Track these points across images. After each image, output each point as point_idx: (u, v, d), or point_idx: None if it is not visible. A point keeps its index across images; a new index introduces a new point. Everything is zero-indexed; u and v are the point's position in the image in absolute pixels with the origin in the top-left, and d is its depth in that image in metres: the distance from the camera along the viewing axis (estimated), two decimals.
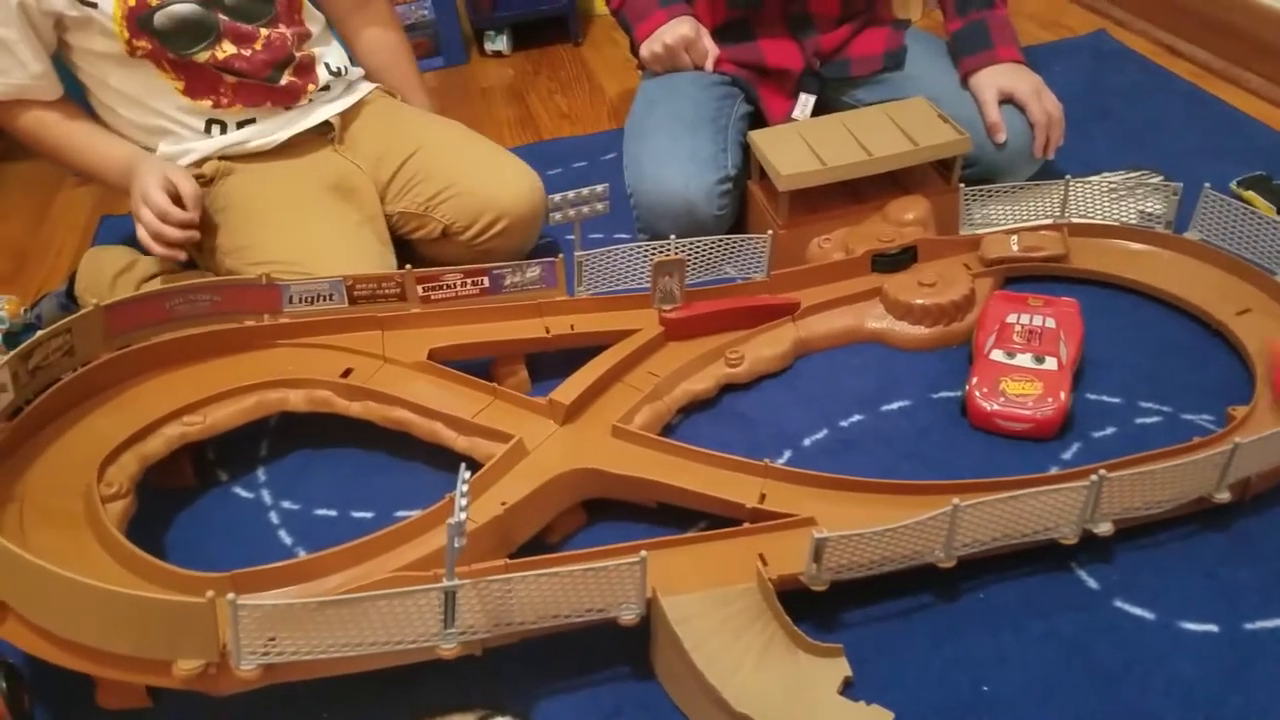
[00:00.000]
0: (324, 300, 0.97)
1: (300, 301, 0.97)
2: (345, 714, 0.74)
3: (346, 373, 0.95)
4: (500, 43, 1.82)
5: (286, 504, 0.92)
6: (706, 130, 1.16)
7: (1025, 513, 0.73)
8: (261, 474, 0.96)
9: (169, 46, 1.02)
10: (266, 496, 0.94)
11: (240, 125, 1.09)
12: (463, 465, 0.68)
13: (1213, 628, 0.72)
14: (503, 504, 0.80)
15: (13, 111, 1.07)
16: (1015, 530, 0.74)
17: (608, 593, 0.69)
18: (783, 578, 0.72)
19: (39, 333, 0.99)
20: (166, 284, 1.05)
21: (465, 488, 0.65)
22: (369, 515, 0.90)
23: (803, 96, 1.25)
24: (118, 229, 1.39)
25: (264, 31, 1.07)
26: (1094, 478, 0.72)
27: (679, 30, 1.19)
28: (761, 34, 1.24)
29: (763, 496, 0.81)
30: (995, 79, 1.15)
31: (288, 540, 0.89)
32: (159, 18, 1.01)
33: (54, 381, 0.86)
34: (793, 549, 0.75)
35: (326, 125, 1.13)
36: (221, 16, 1.04)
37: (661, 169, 1.13)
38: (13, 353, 0.82)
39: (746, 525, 0.78)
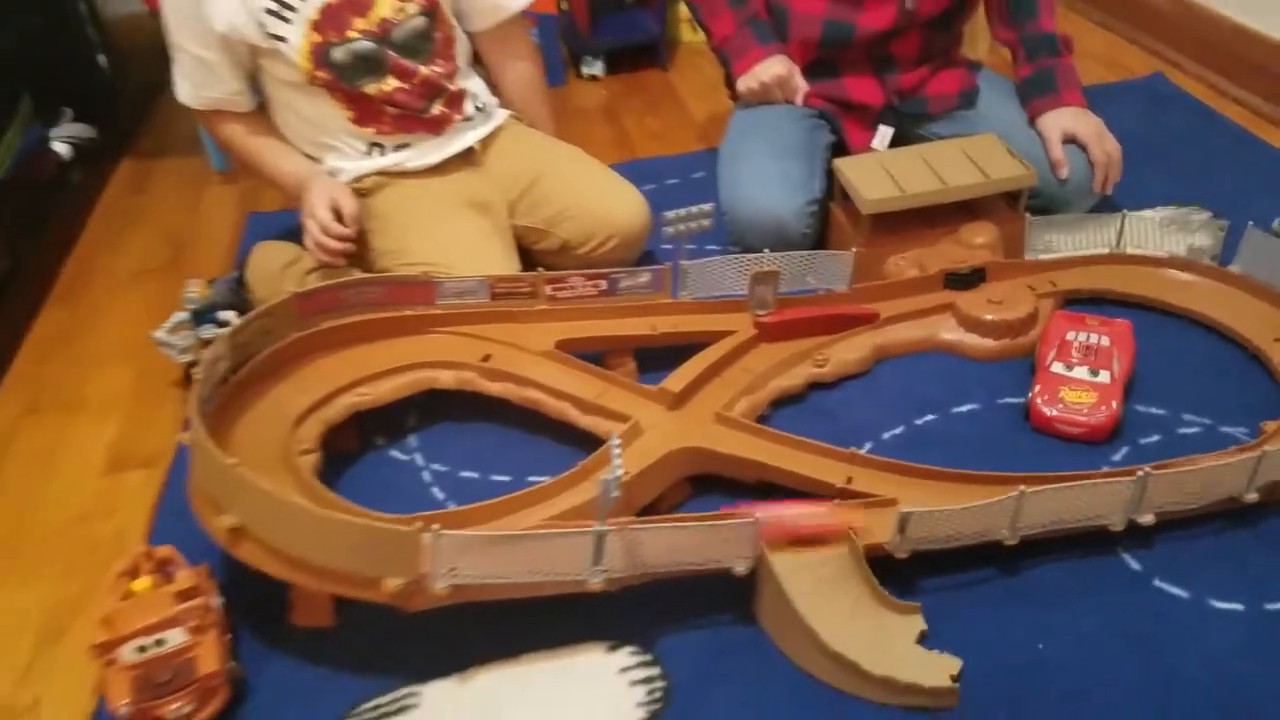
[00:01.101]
0: (470, 296, 1.13)
1: (451, 296, 1.12)
2: (497, 643, 0.88)
3: (486, 358, 1.10)
4: (595, 67, 1.98)
5: (436, 466, 1.08)
6: (796, 157, 1.30)
7: (1080, 501, 0.86)
8: (413, 440, 1.11)
9: (343, 79, 1.18)
10: (419, 459, 1.09)
11: (397, 148, 1.24)
12: (613, 434, 0.82)
13: (1238, 606, 0.85)
14: (625, 473, 0.95)
15: (215, 120, 1.25)
16: (1070, 516, 0.87)
17: (726, 547, 0.83)
18: (869, 546, 0.86)
19: (226, 313, 1.17)
20: (327, 277, 1.22)
21: (618, 450, 0.79)
22: (507, 479, 1.05)
23: (882, 129, 1.38)
24: (263, 224, 1.55)
25: (423, 68, 1.21)
26: (1140, 473, 0.85)
27: (774, 69, 1.33)
28: (846, 72, 1.37)
29: (849, 479, 0.95)
30: (1060, 120, 1.28)
31: (439, 496, 1.04)
32: (338, 53, 1.16)
33: (253, 355, 1.03)
34: (876, 523, 0.88)
35: (469, 149, 1.27)
36: (390, 53, 1.19)
37: (756, 191, 1.27)
38: (228, 330, 0.98)
39: (837, 501, 0.92)
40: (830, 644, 0.80)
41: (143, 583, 0.85)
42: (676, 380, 1.05)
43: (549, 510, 0.91)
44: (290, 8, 1.13)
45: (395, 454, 1.10)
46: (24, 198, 1.51)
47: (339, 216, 1.18)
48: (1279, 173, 1.46)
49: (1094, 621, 0.85)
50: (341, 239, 1.17)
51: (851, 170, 1.25)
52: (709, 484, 1.00)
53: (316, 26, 1.14)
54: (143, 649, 0.82)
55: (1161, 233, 1.23)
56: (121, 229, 1.63)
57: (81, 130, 1.76)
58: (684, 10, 2.05)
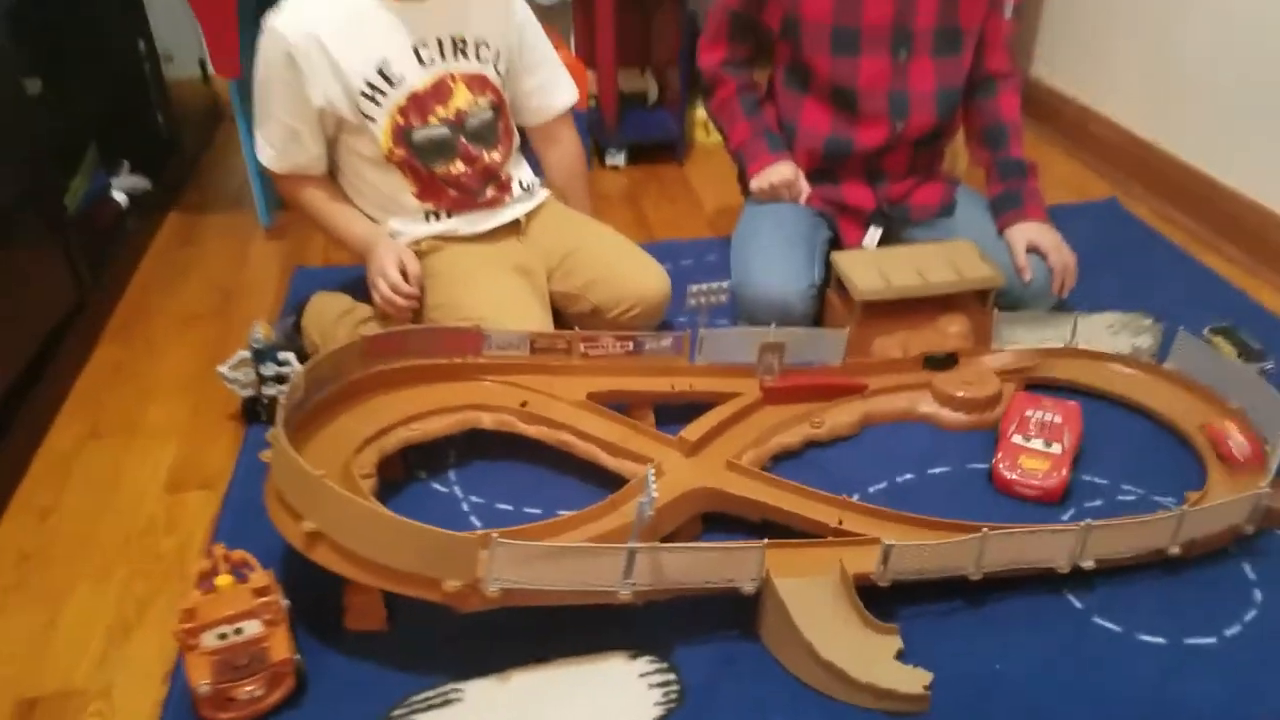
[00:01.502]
0: (512, 349, 1.28)
1: (495, 348, 1.28)
2: (531, 648, 1.00)
3: (524, 404, 1.25)
4: (618, 158, 2.19)
5: (474, 498, 1.21)
6: (800, 248, 1.49)
7: (1033, 546, 1.02)
8: (452, 475, 1.25)
9: (418, 158, 1.34)
10: (458, 491, 1.23)
11: (450, 215, 1.40)
12: (649, 466, 0.97)
13: (1161, 640, 1.01)
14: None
15: (292, 182, 1.40)
16: (1025, 558, 1.03)
17: (737, 568, 0.98)
18: (857, 575, 1.01)
19: (285, 354, 1.31)
20: (380, 327, 1.37)
21: (653, 478, 0.94)
22: (538, 511, 1.19)
23: (872, 229, 1.58)
24: (308, 276, 1.71)
25: (486, 155, 1.39)
26: (1084, 524, 1.01)
27: (783, 173, 1.53)
28: (844, 179, 1.57)
29: (840, 520, 1.10)
30: (1025, 233, 1.48)
31: (477, 524, 1.17)
32: (417, 135, 1.33)
33: (323, 388, 1.17)
34: (863, 557, 1.03)
35: (515, 221, 1.44)
36: (462, 140, 1.36)
37: (765, 275, 1.44)
38: (307, 365, 1.12)
39: (830, 538, 1.07)
40: (823, 654, 0.94)
41: (224, 579, 0.97)
42: (693, 431, 1.20)
43: (583, 534, 1.04)
44: (382, 93, 1.30)
45: (436, 486, 1.24)
46: (88, 239, 1.65)
47: (405, 276, 1.33)
48: (1212, 288, 1.67)
49: (1043, 647, 1.00)
50: (407, 297, 1.33)
51: (847, 263, 1.44)
52: (718, 522, 1.15)
53: (402, 111, 1.31)
54: (223, 636, 0.93)
55: (1109, 333, 1.43)
56: (172, 276, 1.77)
57: (139, 182, 1.92)
58: (699, 114, 2.27)
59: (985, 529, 0.99)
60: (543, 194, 1.50)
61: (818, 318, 1.50)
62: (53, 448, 1.33)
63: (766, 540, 0.97)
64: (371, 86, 1.30)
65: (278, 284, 1.73)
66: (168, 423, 1.38)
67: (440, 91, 1.33)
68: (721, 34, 1.57)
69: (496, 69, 1.39)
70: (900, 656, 0.97)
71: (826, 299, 1.50)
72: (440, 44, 1.33)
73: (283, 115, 1.33)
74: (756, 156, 1.54)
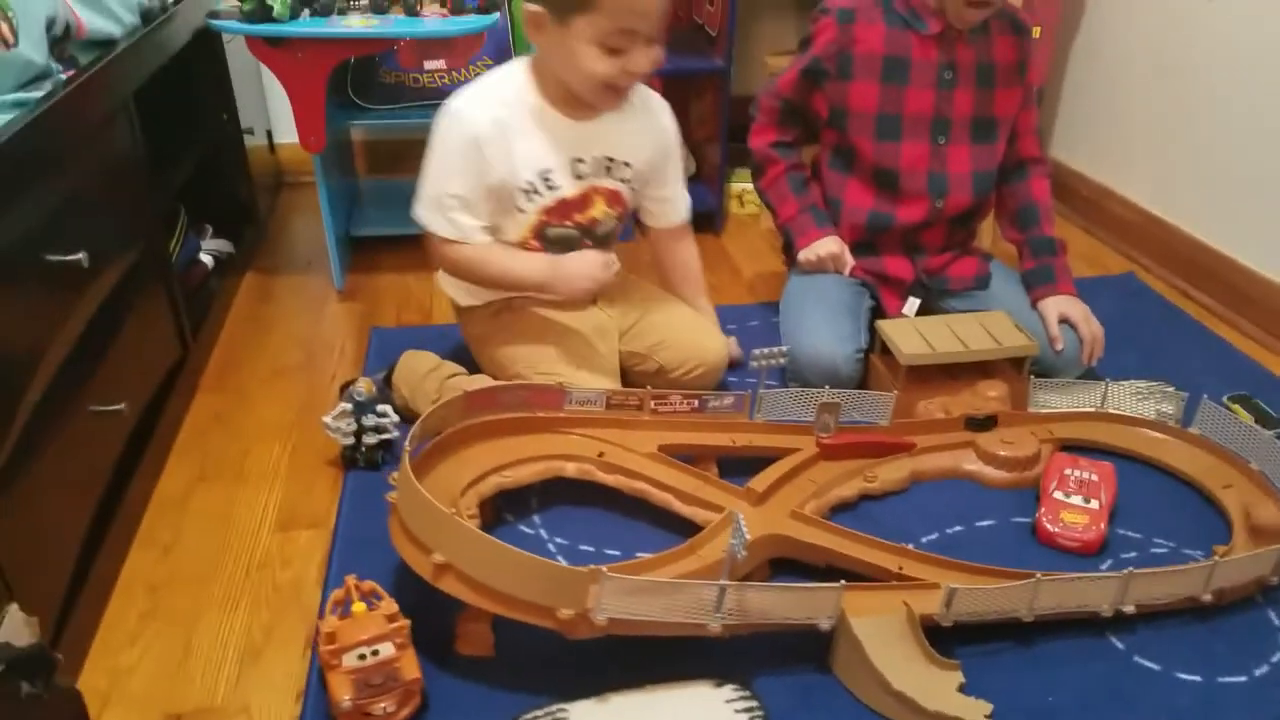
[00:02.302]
0: (590, 404, 1.41)
1: (575, 404, 1.40)
2: (628, 674, 1.10)
3: (601, 454, 1.37)
4: None
5: (558, 539, 1.32)
6: (846, 316, 1.62)
7: (1080, 591, 1.13)
8: (536, 518, 1.36)
9: (547, 248, 1.47)
10: (543, 533, 1.34)
11: None
12: (738, 513, 1.08)
13: (1197, 678, 1.11)
14: (725, 551, 1.21)
15: (455, 246, 1.45)
16: (1072, 603, 1.14)
17: (816, 607, 1.09)
18: (922, 615, 1.12)
19: (383, 406, 1.43)
20: (454, 383, 1.50)
21: (743, 523, 1.05)
22: (617, 553, 1.30)
23: (911, 299, 1.71)
24: (384, 336, 1.84)
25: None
26: (1126, 572, 1.12)
27: (830, 247, 1.66)
28: (884, 252, 1.71)
29: (900, 567, 1.21)
30: (1057, 305, 1.61)
31: (564, 563, 1.28)
32: (552, 232, 1.46)
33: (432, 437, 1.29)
34: (925, 600, 1.14)
35: None
36: (585, 241, 1.49)
37: (816, 340, 1.57)
38: (423, 417, 1.24)
39: (893, 582, 1.18)
40: (894, 685, 1.04)
41: (359, 606, 1.08)
42: (759, 482, 1.32)
43: (668, 574, 1.14)
44: (538, 194, 1.43)
45: (523, 528, 1.35)
46: (186, 298, 1.79)
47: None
48: (1228, 359, 1.80)
49: (1090, 684, 1.11)
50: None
51: (891, 330, 1.57)
52: (784, 567, 1.26)
53: (548, 211, 1.45)
54: (362, 657, 1.04)
55: (1136, 399, 1.55)
56: (256, 332, 1.90)
57: (223, 245, 2.06)
58: (734, 187, 2.43)
59: (1038, 575, 1.10)
60: (617, 264, 1.63)
61: (863, 380, 1.62)
62: (166, 490, 1.45)
63: (843, 582, 1.08)
64: (531, 185, 1.42)
65: (356, 342, 1.86)
66: (269, 467, 1.50)
67: (583, 201, 1.47)
68: (772, 119, 1.72)
69: (632, 187, 1.52)
70: (962, 689, 1.07)
71: (870, 363, 1.63)
72: (596, 162, 1.46)
73: (459, 189, 1.41)
74: (804, 231, 1.68)
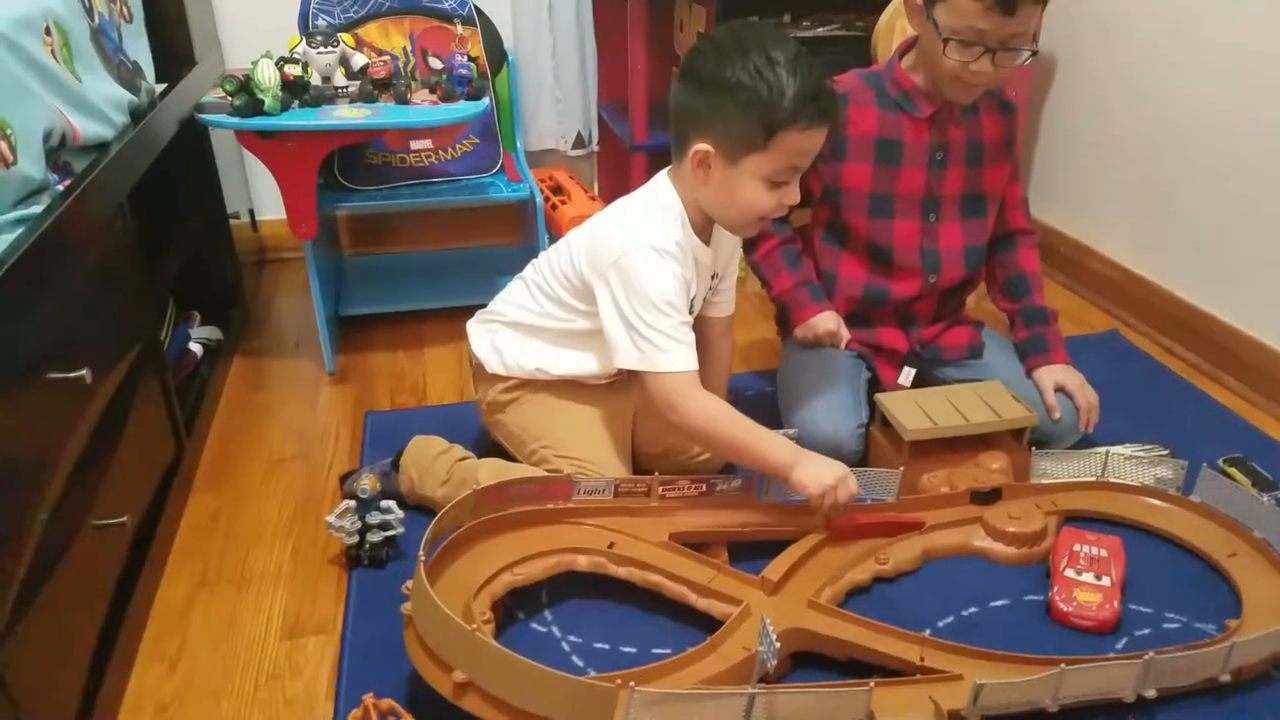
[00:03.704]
0: (599, 493, 1.40)
1: (584, 493, 1.39)
2: None
3: (611, 545, 1.36)
4: None
5: (572, 637, 1.31)
6: (847, 390, 1.63)
7: (1104, 677, 1.13)
8: (548, 614, 1.35)
9: None
10: (556, 631, 1.32)
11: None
12: (765, 618, 1.08)
13: None
14: (745, 648, 1.20)
15: (704, 401, 1.37)
16: (1095, 689, 1.14)
17: (845, 709, 1.08)
18: (951, 711, 1.11)
19: (387, 502, 1.42)
20: (468, 469, 1.49)
21: (772, 628, 1.05)
22: (633, 650, 1.28)
23: (906, 369, 1.73)
24: (380, 420, 1.83)
25: None
26: (1147, 656, 1.13)
27: (827, 324, 1.68)
28: (878, 324, 1.73)
29: (922, 657, 1.21)
30: (1053, 375, 1.64)
31: (579, 664, 1.26)
32: None
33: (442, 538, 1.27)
34: (950, 693, 1.14)
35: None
36: None
37: (818, 416, 1.58)
38: (435, 519, 1.23)
39: (918, 676, 1.18)
40: None
41: None
42: (773, 571, 1.31)
43: (691, 676, 1.14)
44: (693, 312, 1.44)
45: (536, 626, 1.33)
46: (178, 393, 1.76)
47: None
48: (1218, 418, 1.83)
49: None
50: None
51: (892, 404, 1.58)
52: (803, 659, 1.25)
53: None
54: None
55: (1133, 465, 1.57)
56: (248, 422, 1.87)
57: (211, 332, 2.04)
58: None
59: (1063, 664, 1.11)
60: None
61: (864, 454, 1.63)
62: (168, 598, 1.42)
63: (874, 681, 1.08)
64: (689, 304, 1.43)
65: (351, 427, 1.84)
66: (273, 568, 1.47)
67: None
68: None
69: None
70: None
71: (871, 437, 1.64)
72: (709, 280, 1.50)
73: (684, 314, 1.37)
74: (801, 306, 1.70)
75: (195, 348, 1.95)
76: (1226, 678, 1.17)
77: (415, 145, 2.17)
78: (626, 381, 1.59)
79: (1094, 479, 1.55)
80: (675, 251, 1.36)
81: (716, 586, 1.30)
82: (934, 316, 1.74)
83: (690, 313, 1.42)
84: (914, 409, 1.58)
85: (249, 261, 2.46)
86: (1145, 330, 2.17)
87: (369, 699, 1.09)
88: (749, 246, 1.78)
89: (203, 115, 1.75)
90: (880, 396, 1.62)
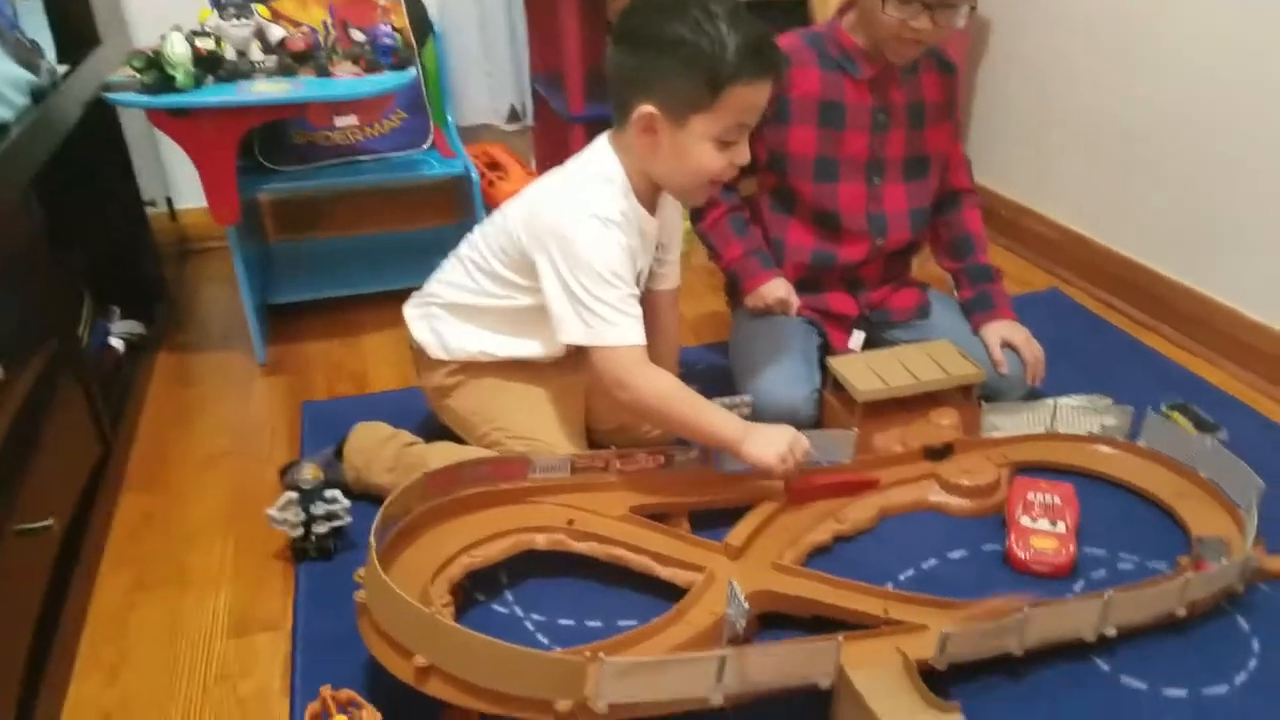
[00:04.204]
0: (555, 471, 1.37)
1: (540, 472, 1.36)
2: None
3: (570, 522, 1.33)
4: None
5: (535, 615, 1.27)
6: (798, 355, 1.62)
7: (1066, 618, 1.14)
8: (509, 595, 1.31)
9: None
10: (518, 610, 1.29)
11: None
12: (732, 581, 1.06)
13: (1183, 693, 1.14)
14: (713, 613, 1.18)
15: (653, 375, 1.34)
16: (1058, 631, 1.15)
17: (816, 664, 1.07)
18: (918, 661, 1.11)
19: (332, 491, 1.36)
20: (415, 455, 1.44)
21: (740, 591, 1.03)
22: (598, 624, 1.26)
23: (856, 333, 1.72)
24: (318, 410, 1.76)
25: None
26: (1107, 595, 1.14)
27: (777, 292, 1.66)
28: (827, 289, 1.72)
29: (887, 610, 1.21)
30: (999, 331, 1.65)
31: (545, 641, 1.23)
32: None
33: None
34: (916, 643, 1.14)
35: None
36: None
37: (772, 383, 1.56)
38: (383, 505, 1.18)
39: (884, 628, 1.17)
40: None
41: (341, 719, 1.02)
42: (736, 537, 1.30)
43: (660, 645, 1.11)
44: (639, 285, 1.40)
45: (497, 608, 1.29)
46: (101, 389, 1.67)
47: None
48: (1159, 368, 1.87)
49: (1085, 710, 1.12)
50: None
51: (843, 367, 1.58)
52: (770, 621, 1.24)
53: None
54: None
55: (1081, 416, 1.59)
56: (179, 419, 1.79)
57: (133, 326, 1.95)
58: None
59: (1025, 607, 1.11)
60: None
61: (817, 419, 1.62)
62: (103, 605, 1.34)
63: (843, 635, 1.07)
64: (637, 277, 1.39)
65: (287, 420, 1.77)
66: (214, 567, 1.41)
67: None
68: None
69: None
70: None
71: (824, 401, 1.63)
72: (655, 252, 1.46)
73: (631, 284, 1.33)
74: (752, 274, 1.68)
75: (117, 343, 1.86)
76: (1182, 612, 1.19)
77: (340, 122, 2.09)
78: (575, 358, 1.55)
79: (1043, 430, 1.56)
80: (620, 220, 1.32)
81: (680, 555, 1.28)
82: (881, 280, 1.74)
83: (637, 285, 1.39)
84: (865, 371, 1.58)
85: (170, 254, 2.35)
86: (1084, 286, 2.20)
87: (326, 691, 1.05)
88: (696, 215, 1.76)
89: (111, 95, 1.65)
90: (831, 360, 1.61)
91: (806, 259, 1.68)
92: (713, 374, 1.79)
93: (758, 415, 1.56)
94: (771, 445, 1.34)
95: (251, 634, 1.29)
